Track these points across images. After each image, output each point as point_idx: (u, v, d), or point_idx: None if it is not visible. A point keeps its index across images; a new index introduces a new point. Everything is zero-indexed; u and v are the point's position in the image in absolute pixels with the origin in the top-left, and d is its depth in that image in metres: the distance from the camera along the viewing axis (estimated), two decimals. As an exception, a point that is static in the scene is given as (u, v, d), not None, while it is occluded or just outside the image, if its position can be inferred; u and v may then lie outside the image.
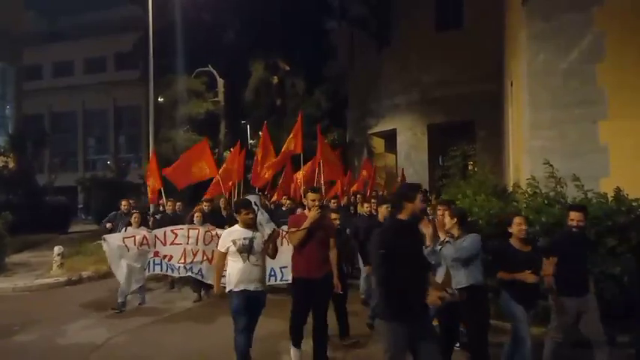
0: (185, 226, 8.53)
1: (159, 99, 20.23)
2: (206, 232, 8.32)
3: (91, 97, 37.63)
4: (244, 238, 4.92)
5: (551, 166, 7.19)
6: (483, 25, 14.99)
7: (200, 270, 8.27)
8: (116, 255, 8.21)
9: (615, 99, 7.59)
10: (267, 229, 5.11)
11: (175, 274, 8.67)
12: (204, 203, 9.89)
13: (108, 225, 9.15)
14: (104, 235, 8.45)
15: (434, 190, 14.84)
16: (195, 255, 8.26)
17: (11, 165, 21.16)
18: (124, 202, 9.75)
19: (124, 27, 30.77)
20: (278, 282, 7.67)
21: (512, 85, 10.63)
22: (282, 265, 7.37)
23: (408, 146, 18.42)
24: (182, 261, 8.29)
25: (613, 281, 5.82)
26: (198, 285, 8.81)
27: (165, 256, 8.32)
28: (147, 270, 8.41)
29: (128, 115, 37.88)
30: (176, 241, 8.31)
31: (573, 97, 7.81)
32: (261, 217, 5.15)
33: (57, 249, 11.15)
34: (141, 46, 20.14)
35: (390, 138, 19.56)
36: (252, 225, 5.01)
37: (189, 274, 8.39)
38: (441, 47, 16.77)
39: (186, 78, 22.11)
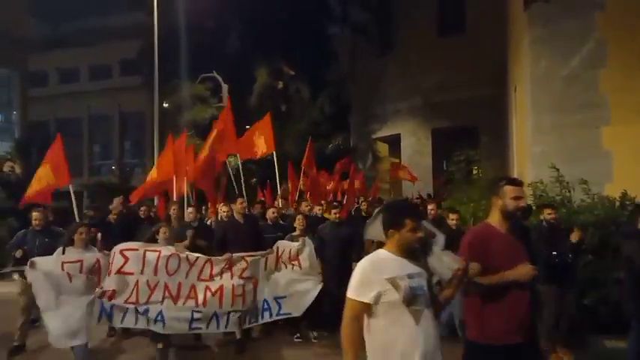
0: (140, 245, 5.70)
1: (164, 104, 20.37)
2: (171, 255, 5.67)
3: (96, 103, 37.85)
4: (412, 276, 2.65)
5: (557, 170, 7.22)
6: (485, 29, 15.04)
7: (160, 315, 5.54)
8: (48, 289, 5.37)
9: (618, 104, 7.63)
10: (449, 262, 2.77)
11: (116, 323, 5.75)
12: (190, 210, 7.40)
13: (18, 253, 6.28)
14: (33, 259, 5.49)
15: (438, 194, 14.85)
16: (152, 290, 5.58)
17: (17, 171, 21.32)
18: (35, 215, 6.51)
19: (128, 34, 30.95)
20: (274, 317, 6.24)
21: (515, 90, 10.67)
22: (279, 295, 6.21)
23: (411, 151, 18.46)
24: (130, 300, 5.54)
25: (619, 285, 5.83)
26: (159, 336, 5.62)
27: (104, 294, 5.52)
28: (97, 318, 5.59)
29: (133, 120, 38.05)
30: (124, 269, 5.56)
31: (575, 103, 7.85)
32: (438, 239, 2.86)
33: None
34: (146, 52, 20.30)
35: (394, 143, 19.61)
36: (416, 252, 2.75)
37: (142, 324, 5.61)
38: (444, 52, 16.82)
39: (190, 84, 22.25)
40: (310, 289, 6.27)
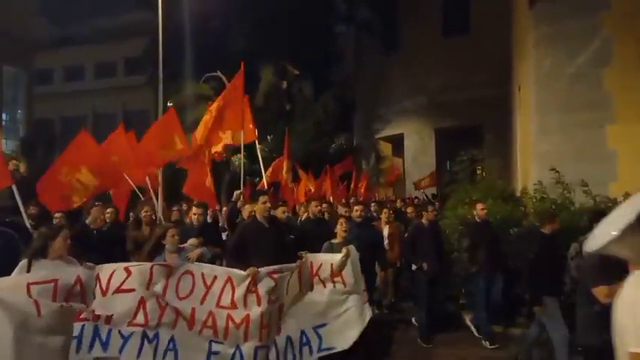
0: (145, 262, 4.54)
1: (168, 103, 20.40)
2: (183, 274, 4.48)
3: (101, 101, 38.04)
4: None
5: (557, 172, 7.18)
6: (490, 29, 14.98)
7: (172, 342, 4.38)
8: (6, 328, 3.59)
9: (623, 103, 7.58)
10: None
11: (113, 352, 4.26)
12: (195, 210, 6.20)
13: None
14: None
15: (441, 194, 14.82)
16: (163, 310, 4.36)
17: (22, 169, 21.41)
18: None
19: (132, 32, 31.07)
20: (315, 355, 4.78)
21: (519, 89, 10.61)
22: (318, 324, 4.85)
23: (415, 150, 18.42)
24: (136, 322, 4.30)
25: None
26: None
27: (99, 318, 4.24)
28: (88, 347, 4.21)
29: (137, 119, 38.17)
30: (125, 286, 4.34)
31: (580, 102, 7.80)
32: None
33: None
34: (150, 51, 20.35)
35: (398, 142, 19.57)
36: None
37: (147, 356, 4.29)
38: (448, 52, 16.78)
39: (195, 83, 22.29)
40: (359, 313, 4.98)
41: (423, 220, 6.80)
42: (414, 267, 6.54)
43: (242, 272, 4.52)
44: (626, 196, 6.61)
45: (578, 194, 6.93)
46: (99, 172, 7.03)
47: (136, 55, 25.96)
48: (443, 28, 17.59)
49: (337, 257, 5.06)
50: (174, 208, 6.96)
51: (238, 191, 8.67)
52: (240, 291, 4.49)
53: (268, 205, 5.16)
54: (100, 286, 4.30)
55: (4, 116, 27.83)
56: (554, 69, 8.07)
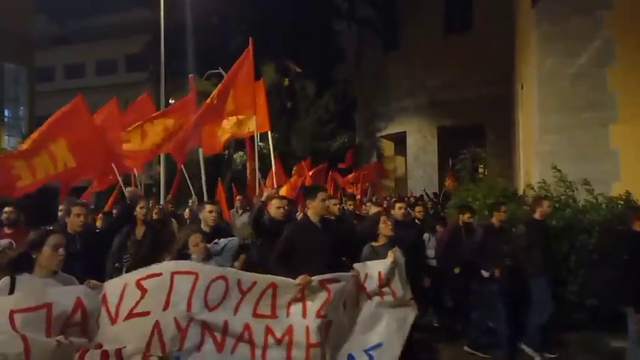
0: (165, 267, 3.54)
1: (170, 101, 20.39)
2: (214, 279, 3.58)
3: (102, 98, 37.97)
4: None
5: (559, 171, 7.18)
6: (493, 27, 14.95)
7: None
8: None
9: (625, 103, 7.57)
10: None
11: None
12: (210, 207, 5.11)
13: None
14: None
15: (443, 193, 14.81)
16: (184, 331, 3.44)
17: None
18: None
19: (133, 30, 31.10)
20: None
21: (522, 88, 10.60)
22: (371, 345, 4.11)
23: (417, 149, 18.43)
24: (156, 352, 3.35)
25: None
26: None
27: (108, 356, 3.19)
28: None
29: (138, 116, 38.16)
30: (140, 309, 3.36)
31: (583, 101, 7.79)
32: None
33: None
34: (151, 48, 20.35)
35: (400, 140, 19.57)
36: None
37: None
38: (450, 50, 16.76)
39: (196, 80, 22.26)
40: (408, 329, 4.35)
41: (493, 220, 5.98)
42: (485, 274, 5.69)
43: (290, 280, 3.75)
44: (629, 195, 6.63)
45: (581, 194, 6.94)
46: (82, 149, 5.65)
47: (137, 52, 25.99)
48: (445, 26, 17.57)
49: (385, 264, 4.29)
50: (209, 208, 6.27)
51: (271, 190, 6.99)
52: (283, 299, 3.72)
53: (327, 203, 4.39)
54: (108, 311, 3.26)
55: (6, 113, 27.84)
56: (556, 68, 8.06)
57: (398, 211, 6.05)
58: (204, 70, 22.49)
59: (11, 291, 2.95)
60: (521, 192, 8.81)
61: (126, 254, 5.04)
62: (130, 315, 3.30)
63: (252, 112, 7.14)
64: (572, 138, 7.80)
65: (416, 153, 18.42)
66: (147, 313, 3.33)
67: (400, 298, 4.33)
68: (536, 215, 5.93)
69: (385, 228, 4.69)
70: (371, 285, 4.25)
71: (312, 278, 3.81)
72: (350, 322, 4.12)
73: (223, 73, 22.72)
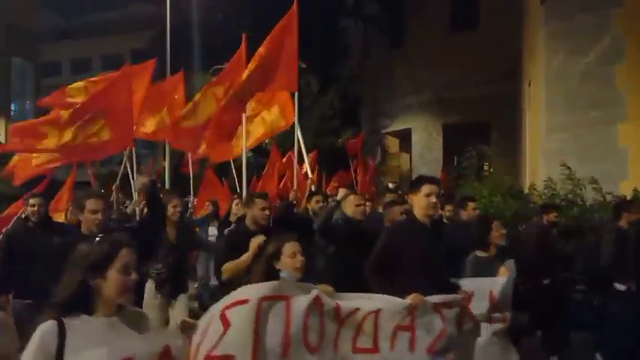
0: (254, 292, 2.47)
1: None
2: (310, 306, 2.54)
3: (107, 93, 38.26)
4: None
5: (568, 168, 7.15)
6: (499, 25, 14.86)
7: None
8: None
9: (634, 101, 7.52)
10: None
11: None
12: (262, 203, 4.12)
13: None
14: None
15: (448, 190, 14.75)
16: None
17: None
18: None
19: (138, 25, 31.18)
20: None
21: (529, 85, 10.55)
22: None
23: (422, 146, 18.39)
24: None
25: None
26: None
27: None
28: None
29: (144, 111, 38.32)
30: (219, 350, 2.27)
31: (591, 99, 7.75)
32: None
33: None
34: (157, 43, 20.38)
35: (405, 137, 19.53)
36: None
37: None
38: (455, 47, 16.67)
39: (202, 75, 22.30)
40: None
41: (621, 223, 4.90)
42: (620, 287, 4.71)
43: (399, 300, 2.89)
44: (637, 193, 6.59)
45: (588, 192, 6.91)
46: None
47: (142, 47, 26.03)
48: (451, 22, 17.48)
49: (497, 282, 3.52)
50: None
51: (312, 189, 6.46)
52: (388, 325, 2.82)
53: (433, 199, 3.36)
54: (188, 354, 2.26)
55: (12, 107, 28.01)
56: (564, 66, 8.01)
57: (472, 211, 5.16)
58: (211, 64, 22.52)
59: (60, 348, 1.82)
60: (526, 190, 8.78)
61: (154, 262, 4.27)
62: (209, 358, 2.27)
63: (294, 86, 6.46)
64: (579, 136, 7.76)
65: (421, 150, 18.38)
66: (230, 358, 2.32)
67: (509, 324, 3.56)
68: (622, 223, 5.00)
69: (498, 236, 3.92)
70: (479, 307, 3.36)
71: (426, 299, 2.93)
72: (459, 356, 3.12)
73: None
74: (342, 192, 4.90)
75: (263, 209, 4.06)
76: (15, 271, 4.34)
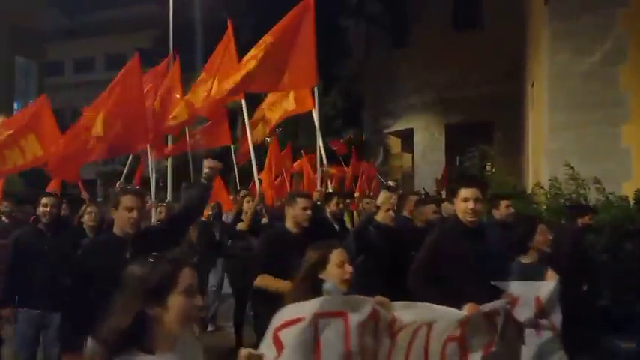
0: (308, 309, 2.18)
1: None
2: (365, 321, 2.27)
3: (111, 92, 38.26)
4: None
5: (572, 168, 7.13)
6: (502, 24, 14.85)
7: None
8: None
9: (637, 102, 7.50)
10: None
11: None
12: (304, 203, 3.91)
13: None
14: None
15: (450, 190, 14.73)
16: None
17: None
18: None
19: (142, 24, 31.23)
20: None
21: (532, 85, 10.53)
22: None
23: (424, 146, 18.38)
24: None
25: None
26: None
27: None
28: None
29: (147, 110, 38.34)
30: None
31: (594, 100, 7.73)
32: None
33: None
34: (160, 42, 20.42)
35: (407, 137, 19.52)
36: None
37: None
38: (458, 47, 16.65)
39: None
40: None
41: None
42: None
43: (454, 311, 2.58)
44: (638, 193, 6.58)
45: (591, 193, 6.89)
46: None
47: (146, 46, 26.09)
48: (454, 22, 17.47)
49: (544, 287, 3.33)
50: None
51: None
52: (439, 339, 2.50)
53: (470, 204, 3.15)
54: None
55: (15, 106, 28.10)
56: (568, 66, 7.99)
57: (505, 209, 5.00)
58: (213, 65, 22.51)
59: None
60: (529, 190, 8.76)
61: None
62: None
63: (313, 79, 6.01)
64: (582, 137, 7.74)
65: (423, 150, 18.37)
66: None
67: (558, 333, 3.32)
68: None
69: (542, 241, 3.71)
70: (524, 313, 3.07)
71: (480, 307, 2.63)
72: None
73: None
74: (381, 196, 4.67)
75: (305, 209, 3.78)
76: (22, 277, 4.12)
